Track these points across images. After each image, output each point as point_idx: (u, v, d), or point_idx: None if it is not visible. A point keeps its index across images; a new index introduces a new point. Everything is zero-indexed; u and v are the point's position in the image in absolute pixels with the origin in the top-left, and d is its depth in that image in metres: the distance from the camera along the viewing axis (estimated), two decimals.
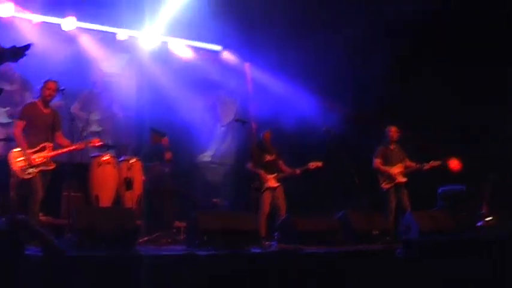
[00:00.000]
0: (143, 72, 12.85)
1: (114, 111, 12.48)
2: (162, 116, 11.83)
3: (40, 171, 8.61)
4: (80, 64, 11.78)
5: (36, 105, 8.94)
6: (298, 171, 10.92)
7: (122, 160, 9.97)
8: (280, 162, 11.06)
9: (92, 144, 9.34)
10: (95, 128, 12.02)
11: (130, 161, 9.88)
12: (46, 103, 8.94)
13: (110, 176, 9.66)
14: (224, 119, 13.95)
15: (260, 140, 11.12)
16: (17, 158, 8.57)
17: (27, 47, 6.06)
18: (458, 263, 6.39)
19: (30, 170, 8.52)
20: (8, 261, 4.97)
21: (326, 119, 12.11)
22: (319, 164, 10.88)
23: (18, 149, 8.64)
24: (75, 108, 11.35)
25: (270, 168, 10.88)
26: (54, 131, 8.97)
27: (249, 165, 10.81)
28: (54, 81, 8.95)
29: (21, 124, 8.76)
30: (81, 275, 5.92)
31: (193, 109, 13.12)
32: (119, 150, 10.85)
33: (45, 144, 8.77)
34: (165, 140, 10.21)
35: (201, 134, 13.44)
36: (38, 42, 10.10)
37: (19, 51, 6.15)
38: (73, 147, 8.97)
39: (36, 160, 8.58)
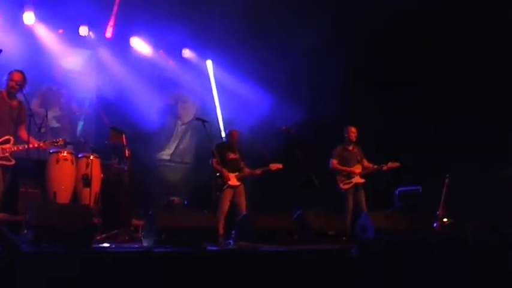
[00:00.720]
0: (103, 69, 12.81)
1: (73, 108, 12.43)
2: (121, 114, 11.80)
3: (0, 165, 8.52)
4: (39, 59, 11.73)
5: (1, 95, 8.78)
6: (259, 171, 11.04)
7: (80, 157, 9.89)
8: (243, 162, 11.15)
9: (57, 144, 9.30)
10: (53, 124, 11.95)
11: (89, 158, 9.83)
12: (11, 94, 8.79)
13: (68, 172, 9.58)
14: (184, 118, 13.98)
15: (226, 138, 11.18)
16: None
17: None
18: (413, 263, 6.52)
19: None
20: None
21: (285, 119, 12.20)
22: (280, 165, 11.02)
23: None
24: (34, 104, 11.28)
25: (232, 166, 10.96)
26: (17, 124, 8.84)
27: (212, 162, 10.86)
28: (20, 72, 8.80)
29: None
30: (37, 272, 5.92)
31: (152, 107, 13.13)
32: (78, 147, 10.80)
33: (9, 137, 8.66)
34: (124, 138, 10.18)
35: (160, 132, 13.47)
36: None
37: None
38: (37, 144, 8.85)
39: None
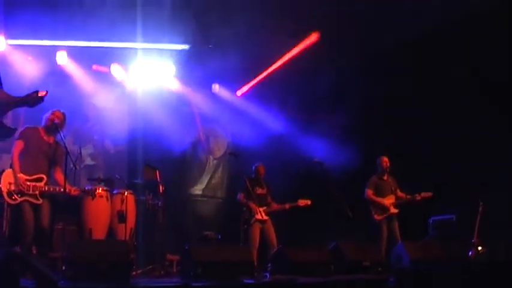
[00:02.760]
0: (134, 106, 12.93)
1: (107, 145, 12.56)
2: (153, 149, 11.92)
3: (25, 200, 8.34)
4: (70, 97, 11.85)
5: (38, 131, 8.73)
6: (287, 206, 11.08)
7: (115, 193, 10.00)
8: (270, 197, 11.18)
9: (89, 192, 9.38)
10: (88, 161, 12.09)
11: (124, 194, 9.93)
12: (49, 132, 8.75)
13: (104, 209, 9.68)
14: (216, 152, 14.04)
15: (253, 173, 11.22)
16: (8, 180, 8.38)
17: (46, 93, 6.36)
18: None
19: (16, 196, 8.30)
20: None
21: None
22: (308, 202, 11.11)
23: (9, 170, 8.49)
24: (67, 141, 11.38)
25: (260, 201, 10.98)
26: (53, 164, 8.77)
27: (240, 196, 10.90)
28: (62, 113, 8.83)
29: (20, 144, 8.53)
30: None
31: (184, 142, 13.22)
32: (112, 183, 10.89)
33: (43, 175, 8.55)
34: (157, 174, 10.26)
35: (193, 167, 13.54)
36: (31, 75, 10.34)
37: (39, 99, 6.89)
38: (69, 190, 8.65)
39: (27, 189, 8.36)
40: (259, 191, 11.10)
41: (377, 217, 11.19)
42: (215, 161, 14.01)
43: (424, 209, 11.50)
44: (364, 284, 8.11)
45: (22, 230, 8.34)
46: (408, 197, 11.34)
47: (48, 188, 8.57)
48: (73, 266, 7.40)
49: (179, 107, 13.30)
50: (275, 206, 11.11)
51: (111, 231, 9.77)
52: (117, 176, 10.87)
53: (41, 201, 8.47)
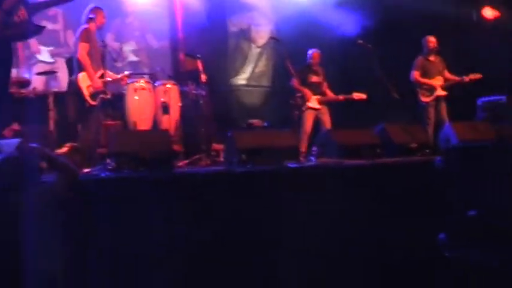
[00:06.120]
0: None
1: (149, 40, 12.26)
2: (195, 42, 11.65)
3: (101, 99, 8.67)
4: None
5: (91, 31, 8.80)
6: (342, 97, 10.87)
7: (157, 85, 9.82)
8: (325, 85, 10.91)
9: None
10: (131, 58, 11.87)
11: (167, 85, 9.74)
12: (98, 30, 8.94)
13: (147, 101, 9.52)
14: (259, 41, 13.65)
15: (308, 60, 10.93)
16: (86, 82, 8.56)
17: None
18: (497, 170, 6.17)
19: (97, 96, 8.58)
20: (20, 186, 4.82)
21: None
22: (364, 96, 10.86)
23: (83, 73, 8.59)
24: (108, 38, 11.18)
25: (314, 90, 10.78)
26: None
27: (294, 81, 10.65)
28: (102, 9, 8.98)
29: (85, 47, 8.63)
30: (117, 197, 5.85)
31: (227, 32, 12.89)
32: (154, 75, 10.68)
33: (103, 72, 8.74)
34: (199, 64, 10.01)
35: (234, 56, 13.23)
36: None
37: None
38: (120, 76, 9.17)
39: (101, 88, 8.64)
40: (314, 78, 10.90)
41: (424, 99, 10.82)
42: (258, 49, 13.62)
43: (472, 90, 11.09)
44: (411, 166, 7.84)
45: (96, 130, 8.70)
46: (456, 78, 10.93)
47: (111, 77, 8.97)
48: (117, 157, 7.26)
49: None
50: (330, 95, 10.87)
51: (155, 124, 9.65)
52: (157, 68, 10.62)
53: (110, 93, 8.89)
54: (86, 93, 8.53)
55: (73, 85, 8.85)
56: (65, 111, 9.73)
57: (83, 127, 8.87)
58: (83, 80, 8.57)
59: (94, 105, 8.63)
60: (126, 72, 9.69)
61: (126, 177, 6.72)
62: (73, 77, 8.92)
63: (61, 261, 4.83)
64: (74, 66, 8.92)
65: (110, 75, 8.97)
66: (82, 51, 8.61)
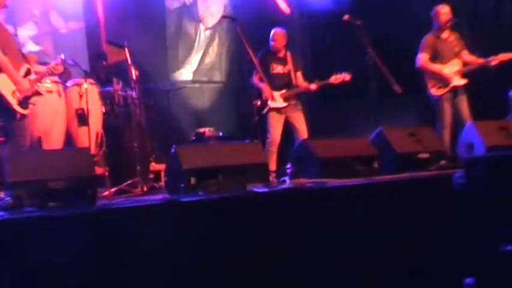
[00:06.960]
0: None
1: (54, 21, 12.28)
2: (120, 23, 11.73)
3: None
4: None
5: None
6: (313, 86, 10.87)
7: (70, 86, 9.85)
8: (297, 75, 11.01)
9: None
10: (30, 46, 11.85)
11: (82, 85, 9.68)
12: None
13: (55, 108, 9.52)
14: (208, 20, 13.78)
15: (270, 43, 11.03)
16: (9, 88, 8.42)
17: None
18: None
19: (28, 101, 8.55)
20: None
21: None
22: (346, 77, 10.93)
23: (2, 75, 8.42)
24: None
25: (279, 82, 10.89)
26: None
27: (253, 78, 10.76)
28: None
29: None
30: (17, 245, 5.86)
31: (164, 8, 12.98)
32: (65, 73, 10.68)
33: (28, 65, 8.67)
34: (127, 54, 10.02)
35: (176, 43, 13.34)
36: None
37: None
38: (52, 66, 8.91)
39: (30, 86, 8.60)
40: (277, 69, 10.98)
41: (436, 92, 10.93)
42: (208, 32, 13.74)
43: (502, 78, 11.17)
44: (421, 184, 7.94)
45: None
46: (480, 60, 11.00)
47: None
48: (12, 189, 7.17)
49: None
50: (300, 86, 11.01)
51: (69, 140, 9.68)
52: (69, 60, 10.66)
53: None
54: (13, 101, 8.37)
55: None
56: None
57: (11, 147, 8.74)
58: (4, 84, 8.36)
59: (25, 115, 8.53)
60: (62, 56, 9.17)
61: (28, 217, 6.67)
62: None
63: None
64: None
65: (37, 68, 8.87)
66: None
